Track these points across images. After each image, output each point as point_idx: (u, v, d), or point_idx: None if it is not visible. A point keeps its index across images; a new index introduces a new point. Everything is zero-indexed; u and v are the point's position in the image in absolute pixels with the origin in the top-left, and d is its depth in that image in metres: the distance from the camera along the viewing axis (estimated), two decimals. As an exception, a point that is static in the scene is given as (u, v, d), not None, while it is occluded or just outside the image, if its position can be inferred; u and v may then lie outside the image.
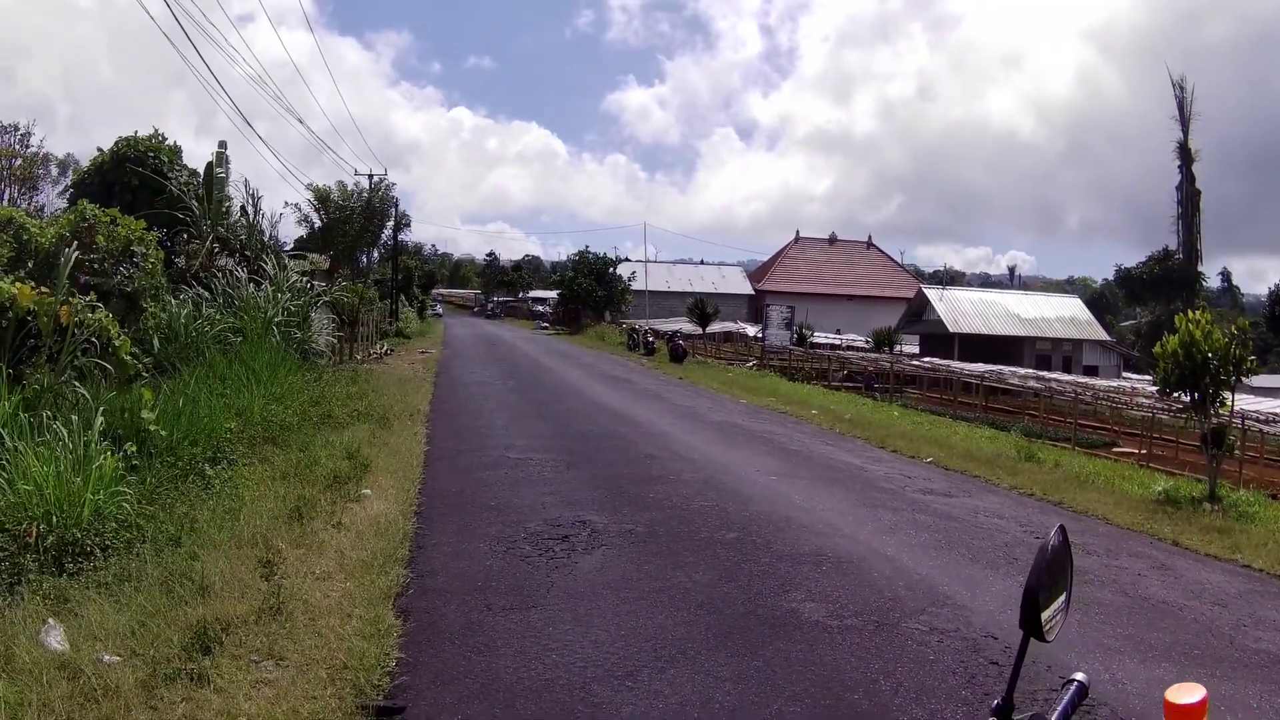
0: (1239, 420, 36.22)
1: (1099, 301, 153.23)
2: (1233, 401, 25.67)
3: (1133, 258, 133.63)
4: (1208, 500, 22.86)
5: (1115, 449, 47.31)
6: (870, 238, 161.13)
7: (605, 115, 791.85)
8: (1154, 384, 26.68)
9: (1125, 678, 10.59)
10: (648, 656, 10.26)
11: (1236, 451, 34.83)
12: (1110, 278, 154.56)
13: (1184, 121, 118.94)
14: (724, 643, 10.76)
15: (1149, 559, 16.92)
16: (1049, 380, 63.80)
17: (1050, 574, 2.57)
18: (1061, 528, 2.71)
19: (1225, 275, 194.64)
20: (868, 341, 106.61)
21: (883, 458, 27.66)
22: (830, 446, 29.03)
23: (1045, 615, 2.54)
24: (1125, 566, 16.15)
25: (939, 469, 26.10)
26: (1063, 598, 2.72)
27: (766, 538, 15.78)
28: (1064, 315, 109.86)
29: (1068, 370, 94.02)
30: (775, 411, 39.30)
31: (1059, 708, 2.81)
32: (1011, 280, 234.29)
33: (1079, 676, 2.88)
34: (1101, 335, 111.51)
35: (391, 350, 64.57)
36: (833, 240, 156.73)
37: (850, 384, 68.47)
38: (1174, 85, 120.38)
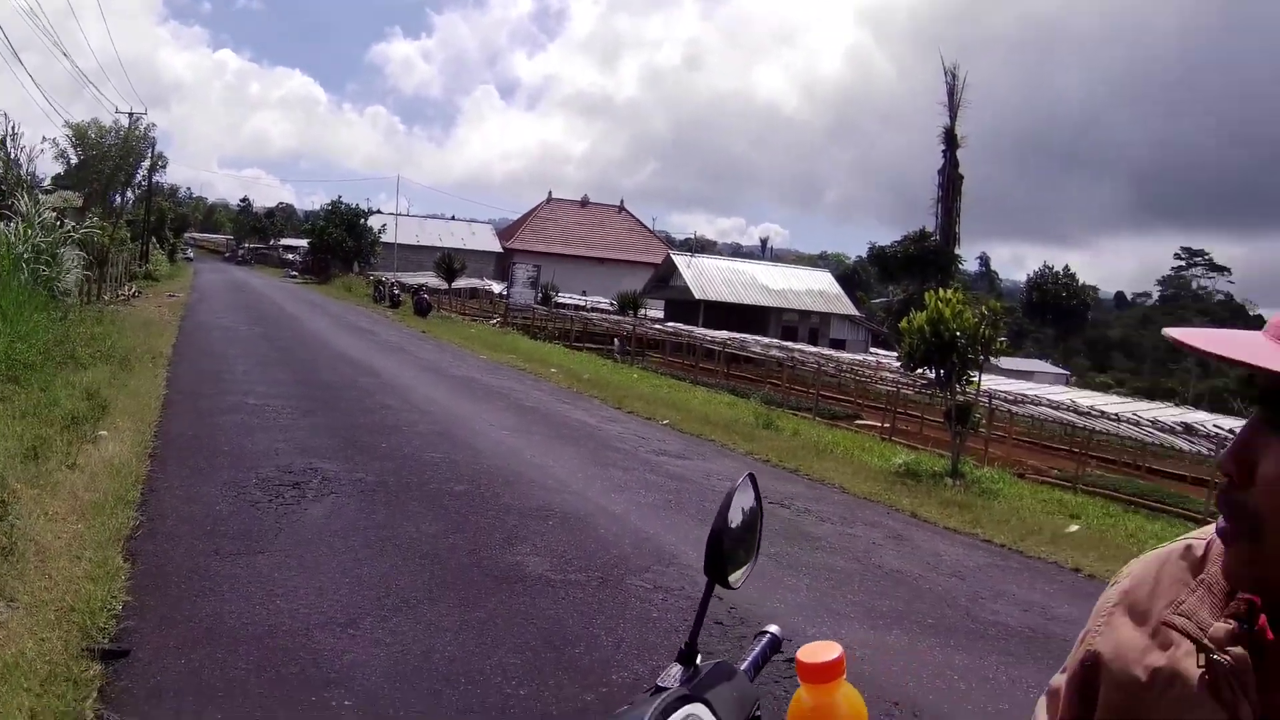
0: (988, 399, 36.99)
1: (852, 278, 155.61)
2: (979, 380, 26.21)
3: (890, 237, 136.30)
4: (950, 475, 23.39)
5: (858, 421, 48.10)
6: (623, 202, 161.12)
7: (369, 66, 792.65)
8: (899, 359, 27.18)
9: (854, 643, 10.69)
10: (371, 605, 10.23)
11: (982, 429, 35.59)
12: (865, 255, 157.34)
13: (952, 108, 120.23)
14: (447, 593, 10.77)
15: (886, 529, 17.29)
16: (792, 350, 64.38)
17: (736, 520, 2.56)
18: (750, 475, 2.70)
19: (984, 260, 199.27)
20: (613, 304, 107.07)
21: (619, 418, 28.13)
22: (567, 405, 29.40)
23: (730, 562, 2.55)
24: (860, 535, 16.48)
25: (675, 431, 26.52)
26: (750, 545, 2.71)
27: (496, 491, 15.84)
28: (813, 288, 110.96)
29: (814, 343, 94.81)
30: (515, 369, 39.59)
31: (749, 657, 2.82)
32: (763, 252, 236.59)
33: (772, 629, 2.90)
34: (850, 310, 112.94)
35: (140, 292, 63.60)
36: (585, 202, 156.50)
37: (596, 345, 68.63)
38: (946, 72, 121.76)
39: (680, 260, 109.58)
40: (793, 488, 20.53)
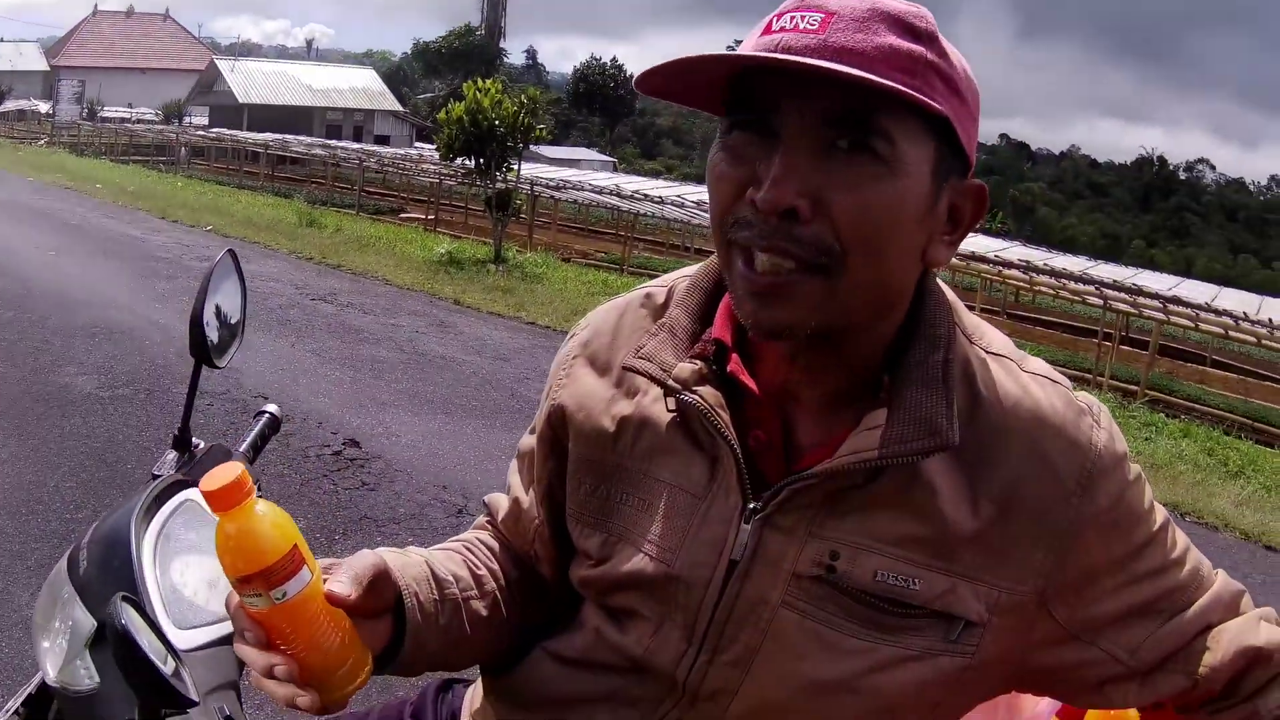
0: (530, 186, 37.20)
1: (397, 75, 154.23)
2: (520, 168, 26.49)
3: (437, 34, 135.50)
4: (493, 261, 23.68)
5: (402, 215, 48.16)
6: (168, 10, 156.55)
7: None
8: (438, 150, 27.24)
9: (400, 430, 10.98)
10: (-74, 449, 9.96)
11: (525, 216, 35.90)
12: (410, 52, 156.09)
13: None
14: (0, 424, 10.53)
15: (428, 317, 17.61)
16: (335, 148, 63.41)
17: (218, 300, 2.53)
18: (230, 251, 2.69)
19: (531, 53, 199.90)
20: (158, 114, 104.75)
21: (163, 228, 27.70)
22: (112, 219, 28.71)
23: (215, 342, 2.57)
24: (403, 325, 16.75)
25: (218, 236, 26.29)
26: (235, 324, 2.73)
27: (43, 314, 15.37)
28: (356, 86, 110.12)
29: (359, 140, 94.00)
30: (61, 188, 38.06)
31: (247, 438, 2.86)
32: (309, 53, 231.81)
33: (270, 408, 2.90)
34: (395, 106, 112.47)
35: None
36: (130, 13, 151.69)
37: (142, 157, 67.09)
38: None
39: (224, 65, 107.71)
40: (336, 283, 20.74)
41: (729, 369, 1.84)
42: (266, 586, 1.56)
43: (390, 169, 57.43)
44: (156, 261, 21.11)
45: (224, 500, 1.58)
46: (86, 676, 1.99)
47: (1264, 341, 28.24)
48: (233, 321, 2.70)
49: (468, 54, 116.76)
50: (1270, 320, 27.17)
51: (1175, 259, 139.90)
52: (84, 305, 16.01)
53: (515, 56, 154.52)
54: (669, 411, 1.88)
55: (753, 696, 1.81)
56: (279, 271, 20.88)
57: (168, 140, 71.07)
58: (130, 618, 1.68)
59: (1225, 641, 1.85)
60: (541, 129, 25.63)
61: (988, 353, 1.84)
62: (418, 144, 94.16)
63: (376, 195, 56.55)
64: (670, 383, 1.82)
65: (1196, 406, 24.15)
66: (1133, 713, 2.15)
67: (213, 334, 2.54)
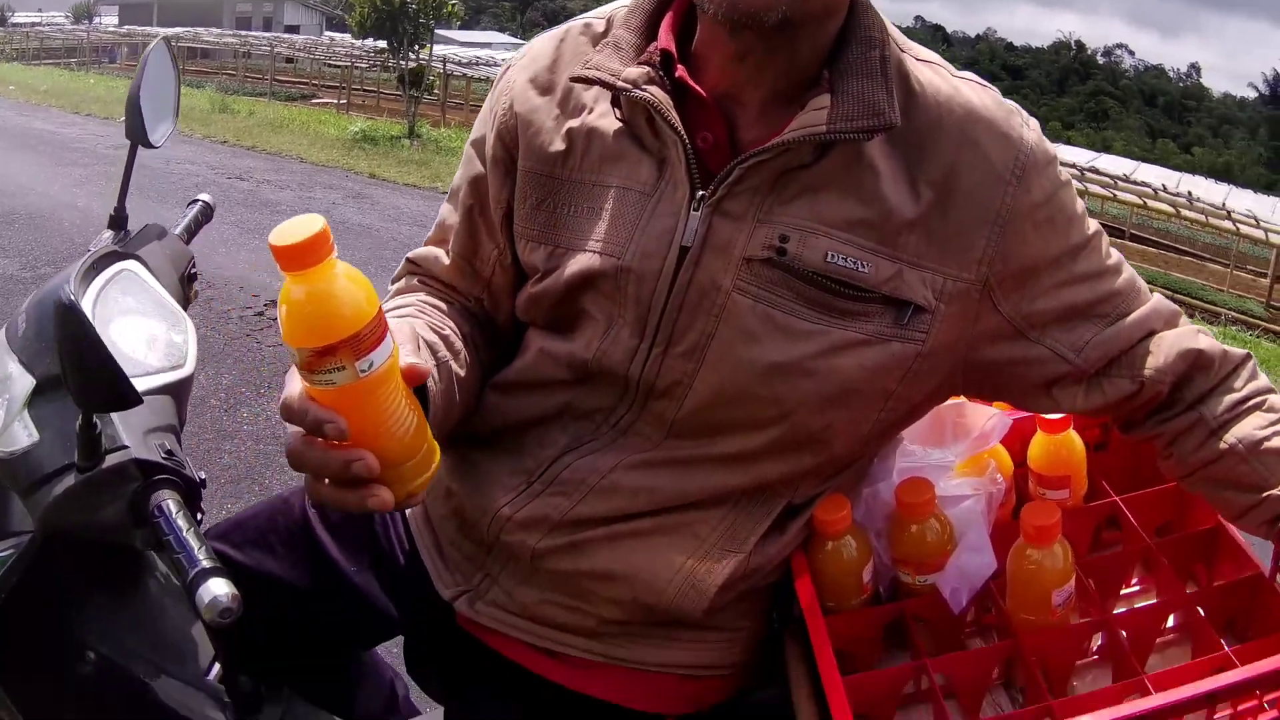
0: (442, 64, 37.20)
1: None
2: (432, 46, 26.48)
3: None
4: (407, 137, 23.74)
5: (315, 100, 47.87)
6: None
7: None
8: (351, 31, 27.24)
9: (322, 297, 10.93)
10: None
11: (437, 93, 35.95)
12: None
13: None
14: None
15: (345, 190, 17.80)
16: (246, 37, 63.43)
17: (153, 83, 2.53)
18: (164, 39, 2.68)
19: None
20: (68, 16, 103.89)
21: (77, 121, 27.62)
22: (26, 116, 28.59)
23: (151, 122, 2.53)
24: (319, 197, 16.92)
25: (133, 127, 25.95)
26: (168, 105, 2.70)
27: (-39, 206, 15.31)
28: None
29: (268, 30, 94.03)
30: (-28, 92, 37.78)
31: (182, 223, 2.85)
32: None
33: (204, 197, 2.92)
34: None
35: None
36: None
37: (53, 59, 66.72)
38: None
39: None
40: (251, 162, 20.75)
41: (676, 74, 1.85)
42: (354, 356, 1.34)
43: (302, 55, 57.21)
44: (72, 152, 21.02)
45: (305, 257, 1.34)
46: (25, 435, 1.95)
47: (1183, 212, 28.40)
48: (167, 104, 2.68)
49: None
50: (1190, 193, 27.38)
51: (1092, 141, 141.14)
52: (4, 195, 15.90)
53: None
54: (617, 121, 1.90)
55: (708, 386, 1.85)
56: (193, 155, 20.79)
57: (78, 41, 70.61)
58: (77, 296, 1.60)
59: (1167, 345, 1.94)
60: (453, 4, 25.63)
61: (918, 60, 1.90)
62: (328, 32, 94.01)
63: (288, 83, 56.10)
64: (620, 83, 1.83)
65: (1114, 279, 24.47)
66: (1076, 439, 2.25)
67: (149, 115, 2.51)
